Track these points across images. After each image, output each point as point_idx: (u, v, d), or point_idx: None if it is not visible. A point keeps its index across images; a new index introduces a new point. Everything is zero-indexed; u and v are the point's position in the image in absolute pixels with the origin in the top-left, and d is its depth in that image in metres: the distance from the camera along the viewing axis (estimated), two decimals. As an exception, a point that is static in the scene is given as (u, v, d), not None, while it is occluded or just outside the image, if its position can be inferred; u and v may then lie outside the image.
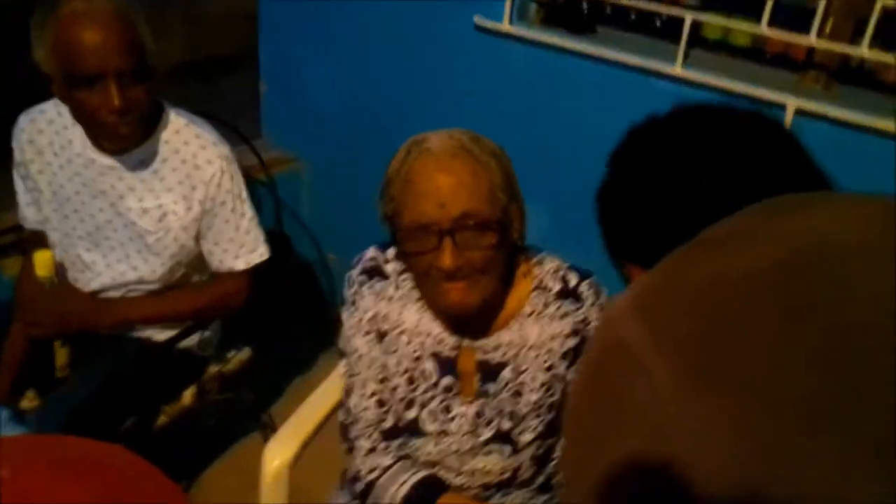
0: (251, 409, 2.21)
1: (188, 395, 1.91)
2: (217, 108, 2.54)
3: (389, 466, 1.32)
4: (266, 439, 2.21)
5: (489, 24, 2.12)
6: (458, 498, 1.29)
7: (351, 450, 1.36)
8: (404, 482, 1.29)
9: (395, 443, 1.34)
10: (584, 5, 2.08)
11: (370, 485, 1.32)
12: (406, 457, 1.34)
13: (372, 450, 1.34)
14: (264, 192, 2.30)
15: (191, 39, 4.47)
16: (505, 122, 2.18)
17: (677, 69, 1.86)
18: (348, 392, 1.37)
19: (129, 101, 1.51)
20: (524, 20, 2.14)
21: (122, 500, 0.97)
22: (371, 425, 1.34)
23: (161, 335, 1.81)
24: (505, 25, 2.10)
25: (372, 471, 1.32)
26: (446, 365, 1.31)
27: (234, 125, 2.20)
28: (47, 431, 1.51)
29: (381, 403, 1.34)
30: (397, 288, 1.34)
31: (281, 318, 2.46)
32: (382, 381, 1.34)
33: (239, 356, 2.04)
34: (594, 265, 2.07)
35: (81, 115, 1.56)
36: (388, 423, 1.34)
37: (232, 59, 4.40)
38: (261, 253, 1.80)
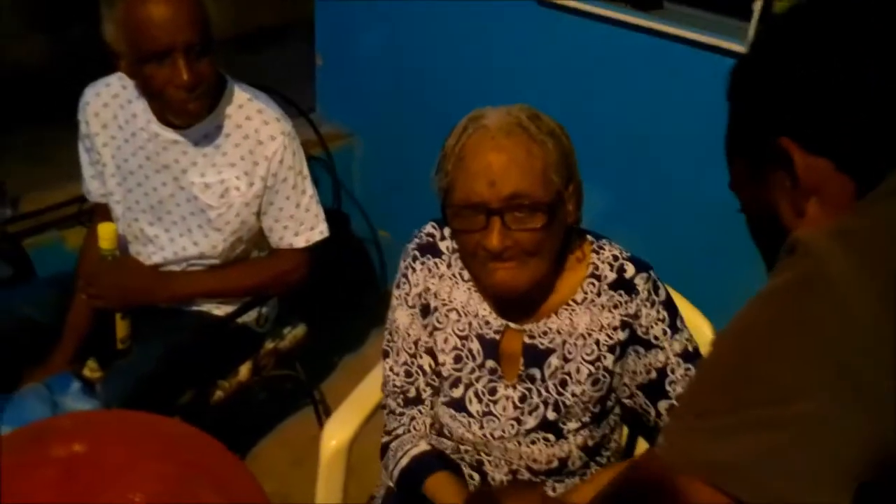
0: (303, 386, 2.22)
1: (244, 371, 1.92)
2: (270, 79, 2.54)
3: (400, 436, 1.35)
4: (318, 415, 2.23)
5: (552, -2, 2.07)
6: (448, 477, 1.28)
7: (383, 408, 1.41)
8: (406, 452, 1.32)
9: (433, 411, 1.36)
10: (651, -20, 2.01)
11: (384, 447, 1.37)
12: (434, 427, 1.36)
13: (392, 412, 1.37)
14: (320, 167, 2.29)
15: (240, 10, 4.47)
16: (567, 99, 2.13)
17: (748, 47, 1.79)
18: (385, 356, 1.40)
19: (197, 75, 1.51)
20: (589, -6, 2.09)
21: (197, 474, 0.97)
22: (397, 391, 1.37)
23: (220, 310, 1.82)
24: (569, 0, 2.04)
25: (389, 433, 1.37)
26: (490, 347, 1.29)
27: (291, 99, 2.18)
28: (110, 403, 1.52)
29: (408, 374, 1.36)
30: (450, 266, 1.33)
31: (334, 296, 2.46)
32: (413, 355, 1.35)
33: (294, 332, 2.04)
34: (653, 246, 2.05)
35: (150, 91, 1.56)
36: (412, 394, 1.36)
37: (281, 29, 4.40)
38: (321, 231, 1.80)
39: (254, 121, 1.67)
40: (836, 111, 0.71)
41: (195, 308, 1.81)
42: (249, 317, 1.84)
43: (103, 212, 1.81)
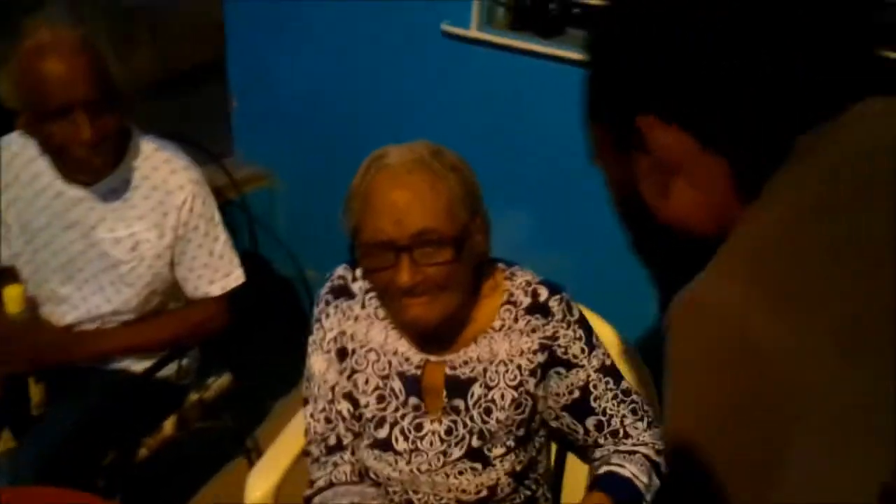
0: (234, 435, 2.17)
1: (169, 426, 1.87)
2: (187, 123, 2.51)
3: (322, 488, 1.33)
4: (252, 464, 2.18)
5: (457, 30, 2.11)
6: None
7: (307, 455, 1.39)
8: None
9: (356, 457, 1.34)
10: (552, 7, 2.06)
11: (308, 501, 1.35)
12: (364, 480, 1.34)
13: (316, 459, 1.36)
14: (237, 210, 2.27)
15: (157, 55, 4.43)
16: (477, 127, 2.17)
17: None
18: (304, 403, 1.39)
19: (99, 131, 1.49)
20: (491, 24, 2.13)
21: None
22: (318, 437, 1.36)
23: (138, 366, 1.77)
24: (472, 31, 2.08)
25: (312, 483, 1.35)
26: (411, 383, 1.30)
27: (202, 144, 2.17)
28: (24, 472, 1.47)
29: (328, 420, 1.35)
30: (364, 307, 1.33)
31: (259, 339, 2.43)
32: (331, 401, 1.35)
33: (219, 382, 2.00)
34: (571, 265, 2.08)
35: (51, 148, 1.53)
36: (332, 441, 1.35)
37: (199, 72, 4.37)
38: (236, 276, 1.78)
39: (161, 171, 1.65)
40: (692, 80, 0.64)
41: (112, 366, 1.76)
42: (170, 370, 1.80)
43: (10, 274, 1.75)
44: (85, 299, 1.71)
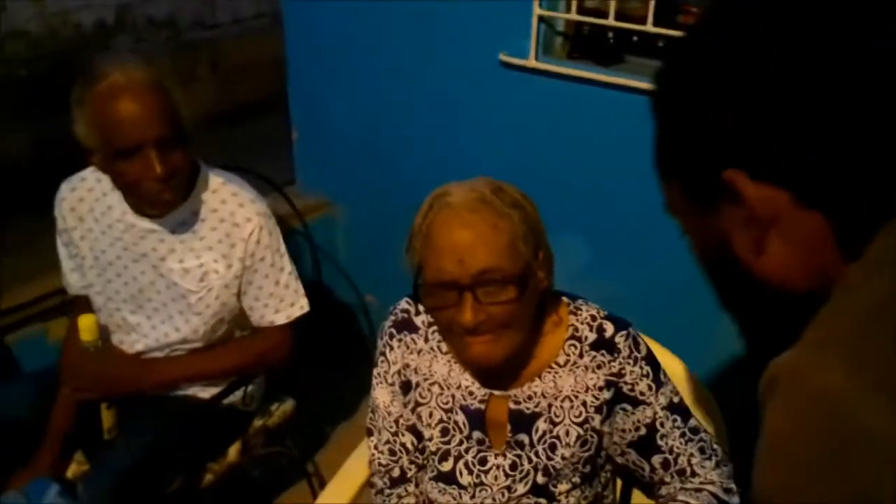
0: (296, 460, 2.19)
1: (233, 452, 1.90)
2: (248, 153, 2.57)
3: None
4: (313, 489, 2.21)
5: (515, 59, 2.12)
6: None
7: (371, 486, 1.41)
8: None
9: (419, 489, 1.35)
10: (611, 35, 2.06)
11: None
12: None
13: (380, 491, 1.37)
14: (301, 239, 2.31)
15: (218, 87, 4.57)
16: (535, 156, 2.18)
17: (709, 95, 1.83)
18: (368, 434, 1.41)
19: (170, 167, 1.54)
20: (550, 54, 2.14)
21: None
22: (382, 470, 1.37)
23: (205, 393, 1.81)
24: (531, 61, 2.09)
25: None
26: (475, 417, 1.29)
27: (267, 176, 2.21)
28: (98, 498, 1.51)
29: (392, 452, 1.37)
30: (427, 340, 1.34)
31: (322, 366, 2.45)
32: (395, 433, 1.36)
33: (282, 408, 2.02)
34: (630, 296, 2.06)
35: (124, 184, 1.58)
36: (396, 473, 1.36)
37: (260, 104, 4.49)
38: (301, 306, 1.81)
39: (229, 204, 1.69)
40: (786, 134, 0.59)
41: (180, 393, 1.80)
42: (235, 397, 1.83)
43: (84, 303, 1.81)
44: (154, 328, 1.75)
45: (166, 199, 1.60)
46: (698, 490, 1.24)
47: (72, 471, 1.76)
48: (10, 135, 3.85)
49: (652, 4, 1.86)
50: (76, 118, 1.53)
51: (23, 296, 2.16)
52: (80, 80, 1.52)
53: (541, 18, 2.06)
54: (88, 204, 1.72)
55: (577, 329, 1.28)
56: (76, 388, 1.69)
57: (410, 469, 1.37)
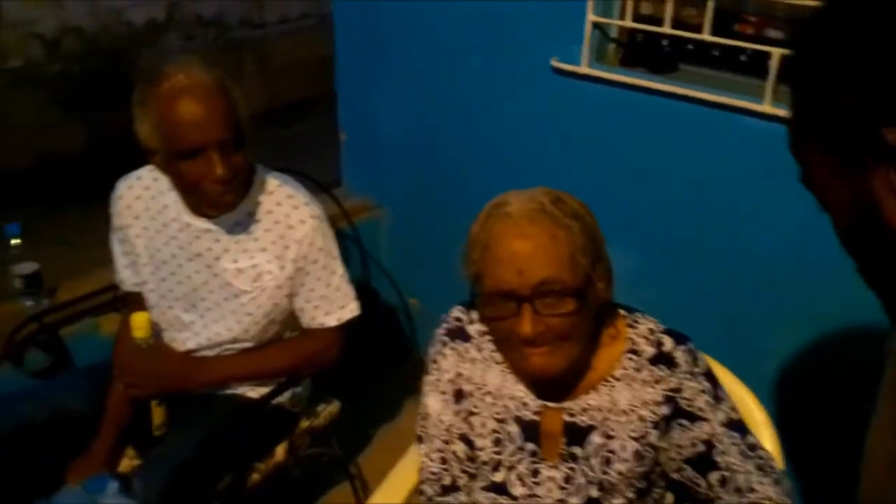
0: (340, 461, 2.20)
1: (280, 451, 1.91)
2: (294, 153, 2.59)
3: None
4: (355, 490, 2.22)
5: (566, 66, 2.11)
6: None
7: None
8: None
9: (470, 499, 1.34)
10: (665, 43, 2.04)
11: None
12: None
13: (430, 500, 1.36)
14: (347, 240, 2.32)
15: (265, 87, 4.62)
16: (586, 163, 2.16)
17: (766, 106, 1.81)
18: (419, 441, 1.40)
19: (231, 169, 1.55)
20: (602, 61, 2.12)
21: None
22: (433, 478, 1.36)
23: (254, 392, 1.82)
24: (583, 67, 2.08)
25: None
26: (529, 429, 1.29)
27: (316, 179, 2.23)
28: (149, 494, 1.52)
29: (443, 461, 1.36)
30: (480, 350, 1.34)
31: (365, 368, 2.46)
32: (447, 441, 1.35)
33: (328, 409, 2.03)
34: (680, 309, 2.03)
35: (184, 185, 1.60)
36: (447, 481, 1.35)
37: (304, 104, 4.54)
38: (351, 309, 1.82)
39: (284, 206, 1.71)
40: None
41: (230, 392, 1.82)
42: (284, 397, 1.84)
43: (136, 300, 1.84)
44: (206, 327, 1.77)
45: (227, 200, 1.62)
46: None
47: (123, 466, 1.78)
48: (63, 129, 3.93)
49: (709, 13, 1.84)
50: (138, 118, 1.54)
51: (76, 290, 2.19)
52: (142, 80, 1.54)
53: (594, 24, 2.04)
54: (144, 202, 1.74)
55: (634, 342, 1.26)
56: (128, 385, 1.71)
57: (461, 478, 1.36)
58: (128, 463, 1.79)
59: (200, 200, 1.63)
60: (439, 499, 1.36)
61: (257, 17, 4.81)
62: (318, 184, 2.23)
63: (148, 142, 1.56)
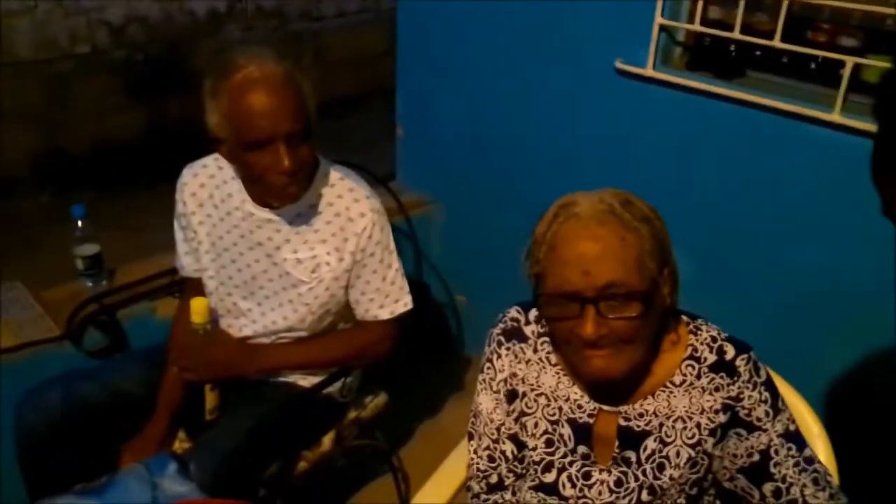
0: (384, 453, 2.22)
1: (327, 441, 1.93)
2: (349, 147, 2.61)
3: None
4: (398, 484, 2.23)
5: (632, 68, 2.09)
6: None
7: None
8: None
9: (516, 498, 1.35)
10: (732, 48, 2.01)
11: None
12: None
13: (476, 496, 1.37)
14: (400, 235, 2.33)
15: (322, 79, 4.66)
16: (650, 167, 2.14)
17: (836, 115, 1.77)
18: (469, 438, 1.40)
19: (298, 161, 1.56)
20: (668, 64, 2.10)
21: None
22: (480, 475, 1.37)
23: (306, 381, 1.84)
24: (648, 70, 2.06)
25: None
26: (582, 431, 1.28)
27: (373, 172, 2.24)
28: (201, 478, 1.55)
29: (491, 459, 1.36)
30: (536, 351, 1.33)
31: (413, 362, 2.47)
32: (496, 440, 1.35)
33: (376, 401, 2.05)
34: (735, 311, 2.00)
35: (251, 175, 1.61)
36: (494, 479, 1.36)
37: (363, 97, 4.58)
38: (405, 303, 1.82)
39: (345, 199, 1.72)
40: None
41: (282, 379, 1.84)
42: (334, 387, 1.86)
43: (195, 286, 1.87)
44: (264, 315, 1.79)
45: (292, 192, 1.63)
46: None
47: (175, 447, 1.81)
48: (126, 115, 4.02)
49: (782, 19, 1.81)
50: (208, 108, 1.56)
51: (135, 273, 2.24)
52: (214, 71, 1.55)
53: (662, 27, 2.02)
54: (209, 190, 1.77)
55: (696, 349, 1.25)
56: (183, 368, 1.74)
57: (508, 477, 1.36)
58: (179, 445, 1.83)
59: (265, 191, 1.65)
60: (485, 496, 1.36)
61: (315, 11, 4.85)
62: (376, 177, 2.24)
63: (217, 131, 1.57)
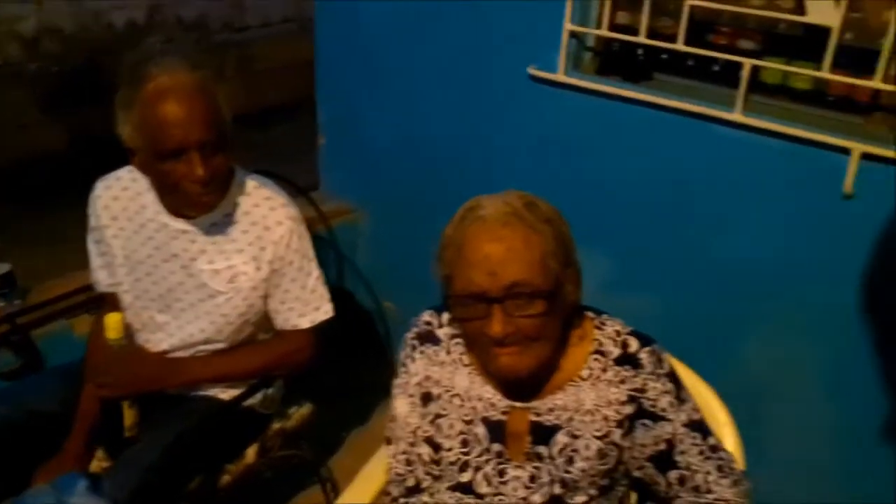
0: (311, 464, 2.21)
1: (251, 453, 1.91)
2: (275, 157, 2.60)
3: None
4: (326, 493, 2.22)
5: (544, 73, 2.13)
6: None
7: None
8: None
9: (434, 500, 1.36)
10: (640, 52, 2.07)
11: None
12: None
13: (395, 500, 1.39)
14: (323, 244, 2.33)
15: (247, 90, 4.62)
16: (563, 169, 2.19)
17: (737, 115, 1.84)
18: (387, 442, 1.42)
19: (211, 170, 1.56)
20: (579, 69, 2.15)
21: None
22: (398, 479, 1.38)
23: (225, 394, 1.82)
24: (560, 75, 2.10)
25: None
26: (496, 429, 1.31)
27: (293, 182, 2.23)
28: (117, 498, 1.52)
29: (408, 462, 1.38)
30: (449, 352, 1.36)
31: (339, 371, 2.47)
32: (412, 444, 1.37)
33: (300, 412, 2.04)
34: (652, 312, 2.06)
35: (164, 186, 1.60)
36: (411, 483, 1.37)
37: (286, 108, 4.54)
38: (326, 311, 1.82)
39: (261, 208, 1.72)
40: None
41: (201, 393, 1.82)
42: (255, 399, 1.84)
43: (110, 301, 1.83)
44: (181, 328, 1.77)
45: (206, 201, 1.62)
46: None
47: (93, 467, 1.78)
48: (41, 129, 3.92)
49: (683, 23, 1.87)
50: (121, 119, 1.55)
51: (49, 291, 2.19)
52: (126, 81, 1.54)
53: (571, 33, 2.07)
54: (122, 203, 1.74)
55: (601, 343, 1.29)
56: (100, 386, 1.71)
57: (426, 480, 1.38)
58: (98, 464, 1.79)
59: (179, 201, 1.63)
60: (404, 500, 1.38)
61: (239, 21, 4.81)
62: (296, 186, 2.24)
63: (130, 142, 1.56)
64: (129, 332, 1.76)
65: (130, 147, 1.57)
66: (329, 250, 2.37)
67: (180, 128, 1.51)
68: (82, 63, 3.99)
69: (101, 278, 1.84)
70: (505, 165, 2.32)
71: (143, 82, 1.51)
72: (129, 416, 1.73)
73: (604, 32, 2.05)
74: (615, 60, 2.12)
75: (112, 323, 1.67)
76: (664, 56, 2.05)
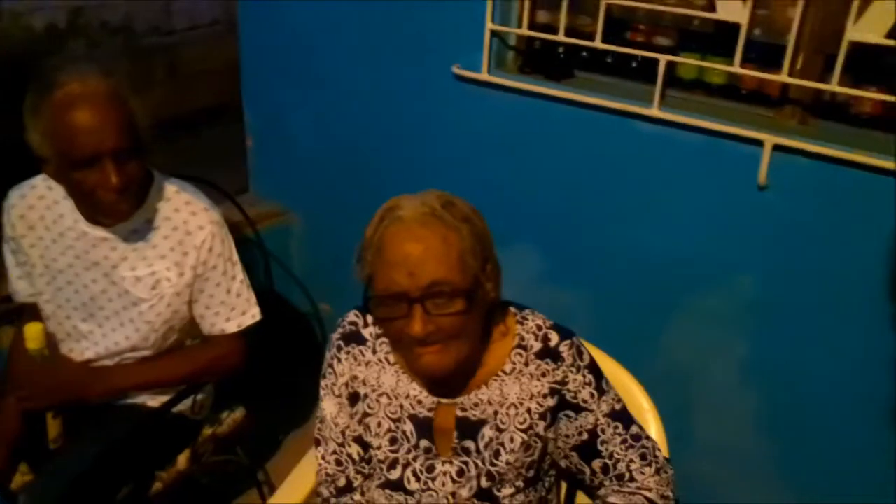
0: (247, 468, 2.19)
1: (182, 460, 1.89)
2: (205, 161, 2.56)
3: None
4: (263, 497, 2.21)
5: (468, 73, 2.16)
6: None
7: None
8: None
9: (365, 498, 1.38)
10: (561, 51, 2.11)
11: None
12: None
13: (326, 501, 1.39)
14: (253, 247, 2.31)
15: (176, 94, 4.52)
16: (488, 166, 2.22)
17: (655, 110, 1.89)
18: (316, 444, 1.43)
19: (126, 178, 1.53)
20: (502, 68, 2.18)
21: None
22: (329, 479, 1.39)
23: (154, 401, 1.80)
24: (483, 74, 2.13)
25: None
26: (423, 426, 1.32)
27: (220, 183, 2.21)
28: (43, 505, 1.49)
29: (338, 462, 1.39)
30: (374, 352, 1.37)
31: (274, 374, 2.45)
32: (342, 444, 1.38)
33: (233, 416, 2.03)
34: (578, 305, 2.10)
35: (79, 194, 1.57)
36: (342, 482, 1.38)
37: (217, 111, 4.47)
38: (252, 314, 1.81)
39: (182, 212, 1.70)
40: None
41: (129, 401, 1.79)
42: (184, 405, 1.83)
43: (31, 311, 1.80)
44: (105, 336, 1.74)
45: (122, 209, 1.60)
46: (633, 494, 1.28)
47: (15, 482, 1.73)
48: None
49: (601, 21, 1.91)
50: (30, 127, 1.51)
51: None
52: (34, 88, 1.51)
53: (493, 33, 2.10)
54: (39, 212, 1.71)
55: (523, 338, 1.31)
56: (21, 398, 1.68)
57: (356, 479, 1.39)
58: (20, 479, 1.74)
59: (95, 209, 1.61)
60: (335, 500, 1.38)
61: (166, 24, 4.70)
62: (221, 190, 2.22)
63: (40, 150, 1.53)
64: (50, 342, 1.72)
65: (41, 155, 1.53)
66: (260, 254, 2.35)
67: (92, 135, 1.48)
68: (-1, 67, 3.86)
69: (21, 288, 1.80)
70: (432, 164, 2.34)
71: (53, 89, 1.48)
72: (52, 427, 1.69)
73: (524, 31, 2.08)
74: (537, 59, 2.16)
75: (32, 333, 1.63)
76: (584, 54, 2.09)
